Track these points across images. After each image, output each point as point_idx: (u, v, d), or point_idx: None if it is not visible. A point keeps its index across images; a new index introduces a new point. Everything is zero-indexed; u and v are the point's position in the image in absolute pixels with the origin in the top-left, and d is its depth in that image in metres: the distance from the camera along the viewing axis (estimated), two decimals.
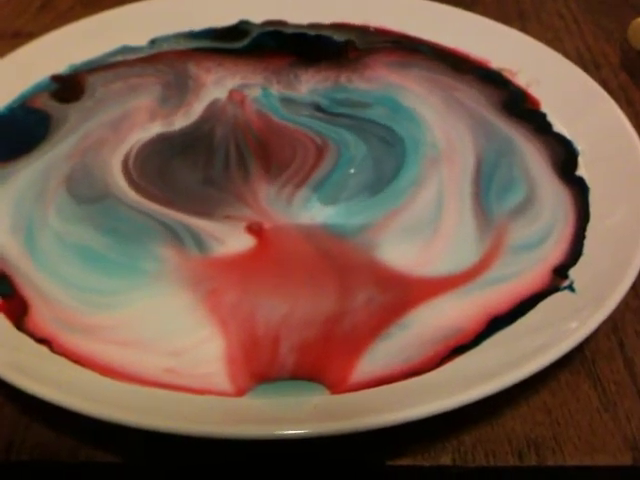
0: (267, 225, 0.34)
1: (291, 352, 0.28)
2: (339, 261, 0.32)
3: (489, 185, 0.36)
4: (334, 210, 0.35)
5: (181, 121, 0.40)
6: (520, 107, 0.40)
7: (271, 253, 0.32)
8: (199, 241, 0.33)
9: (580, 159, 0.36)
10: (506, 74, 0.42)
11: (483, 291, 0.30)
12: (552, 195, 0.35)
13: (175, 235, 0.33)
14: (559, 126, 0.38)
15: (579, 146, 0.37)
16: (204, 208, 0.35)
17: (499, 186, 0.36)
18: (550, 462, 0.27)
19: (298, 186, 0.36)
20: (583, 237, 0.32)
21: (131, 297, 0.31)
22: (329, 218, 0.34)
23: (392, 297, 0.30)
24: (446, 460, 0.28)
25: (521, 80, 0.42)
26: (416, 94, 0.42)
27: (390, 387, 0.27)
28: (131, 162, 0.38)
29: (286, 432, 0.24)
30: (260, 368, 0.28)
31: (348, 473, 0.28)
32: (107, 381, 0.27)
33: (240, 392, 0.27)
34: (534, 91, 0.41)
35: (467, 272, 0.31)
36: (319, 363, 0.28)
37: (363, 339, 0.29)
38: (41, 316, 0.30)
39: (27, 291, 0.31)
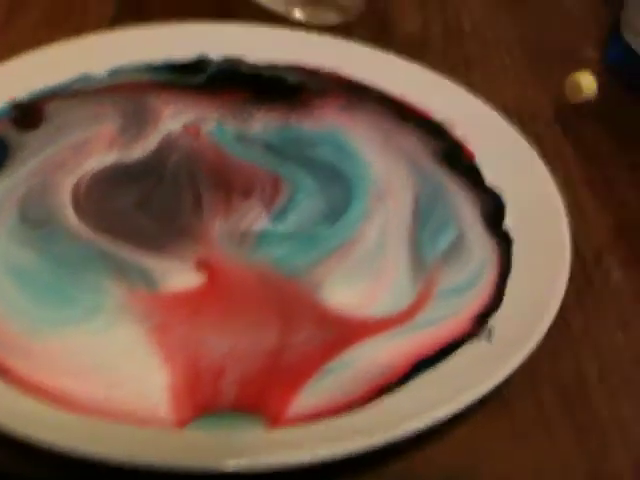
0: (216, 262, 0.36)
1: (233, 384, 0.30)
2: (284, 299, 0.34)
3: (425, 223, 0.39)
4: (285, 247, 0.37)
5: (137, 151, 0.42)
6: (456, 159, 0.43)
7: (219, 290, 0.34)
8: (145, 276, 0.35)
9: (507, 212, 0.40)
10: (446, 125, 0.45)
11: (411, 334, 0.33)
12: (479, 245, 0.38)
13: (120, 269, 0.35)
14: (490, 179, 0.42)
15: (507, 199, 0.40)
16: (152, 242, 0.37)
17: (433, 226, 0.39)
18: None
19: (253, 221, 0.38)
20: (504, 287, 0.35)
21: (75, 328, 0.32)
22: (279, 255, 0.36)
23: (330, 336, 0.33)
24: None
25: (459, 132, 0.45)
26: (360, 136, 0.45)
27: (323, 423, 0.29)
28: (82, 189, 0.39)
29: (224, 464, 0.27)
30: (202, 400, 0.30)
31: None
32: (50, 409, 0.29)
33: (181, 423, 0.29)
34: (470, 144, 0.44)
35: (400, 315, 0.34)
36: (259, 396, 0.30)
37: (300, 374, 0.31)
38: None
39: None
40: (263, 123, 0.45)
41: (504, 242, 0.38)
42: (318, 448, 0.27)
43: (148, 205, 0.39)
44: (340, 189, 0.41)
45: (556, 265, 0.35)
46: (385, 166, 0.43)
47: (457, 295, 0.35)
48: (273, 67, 0.50)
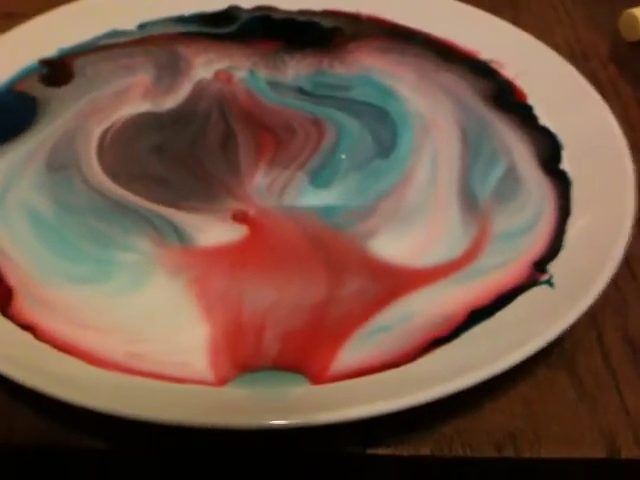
0: (256, 214, 0.34)
1: (275, 341, 0.28)
2: (331, 251, 0.32)
3: (476, 154, 0.37)
4: (330, 194, 0.35)
5: (170, 101, 0.40)
6: (506, 99, 0.40)
7: (261, 242, 0.32)
8: (177, 230, 0.33)
9: (564, 153, 0.36)
10: (494, 65, 0.42)
11: (465, 284, 0.31)
12: (535, 187, 0.35)
13: (146, 223, 0.33)
14: (544, 119, 0.38)
15: (563, 140, 0.37)
16: (181, 194, 0.35)
17: (484, 159, 0.37)
18: (527, 454, 0.28)
19: (297, 169, 0.36)
20: (563, 231, 0.32)
21: (95, 286, 0.31)
22: (324, 204, 0.34)
23: (380, 288, 0.30)
24: (425, 450, 0.28)
25: (509, 72, 0.42)
26: (395, 75, 0.42)
27: (370, 378, 0.27)
28: (109, 136, 0.38)
29: (267, 423, 0.25)
30: (243, 357, 0.28)
31: (328, 463, 0.28)
32: (91, 369, 0.27)
33: (221, 381, 0.27)
34: (521, 83, 0.41)
35: (453, 263, 0.31)
36: (302, 353, 0.28)
37: (346, 329, 0.29)
38: (24, 302, 0.30)
39: (10, 275, 0.31)
40: (295, 70, 0.43)
41: (562, 183, 0.35)
42: (364, 405, 0.25)
43: (176, 154, 0.37)
44: (384, 126, 0.39)
45: (620, 209, 0.32)
46: (426, 102, 0.40)
47: (514, 239, 0.33)
48: (307, 12, 0.47)
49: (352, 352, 0.28)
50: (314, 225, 0.33)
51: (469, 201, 0.35)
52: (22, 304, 0.30)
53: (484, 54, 0.43)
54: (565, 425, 0.29)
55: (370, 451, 0.28)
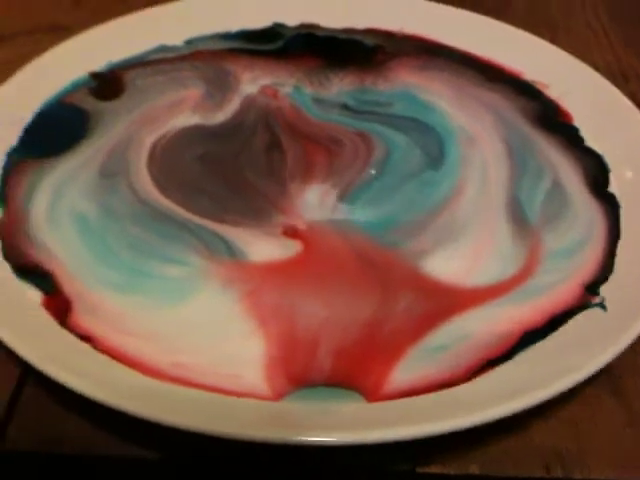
0: (305, 228, 0.34)
1: (328, 357, 0.28)
2: (383, 268, 0.32)
3: (522, 167, 0.37)
4: (382, 209, 0.35)
5: (220, 115, 0.40)
6: (552, 119, 0.40)
7: (312, 258, 0.32)
8: (228, 246, 0.33)
9: (611, 176, 0.36)
10: (538, 86, 0.42)
11: (517, 304, 0.30)
12: (583, 207, 0.35)
13: (198, 238, 0.33)
14: (590, 141, 0.38)
15: (610, 162, 0.37)
16: (229, 208, 0.35)
17: (531, 177, 0.37)
18: (576, 476, 0.28)
19: (349, 184, 0.36)
20: (614, 254, 0.32)
21: (154, 296, 0.31)
22: (376, 219, 0.34)
23: (432, 306, 0.30)
24: (474, 469, 0.28)
25: (552, 93, 0.41)
26: (434, 91, 0.43)
27: (423, 398, 0.27)
28: (160, 146, 0.38)
29: (323, 439, 0.25)
30: (298, 372, 0.28)
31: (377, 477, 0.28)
32: (149, 380, 0.27)
33: (277, 396, 0.27)
34: (565, 104, 0.41)
35: (506, 283, 0.31)
36: (355, 369, 0.28)
37: (399, 347, 0.29)
38: (81, 314, 0.30)
39: (68, 287, 0.31)
40: (339, 86, 0.43)
41: (610, 205, 0.35)
42: (414, 426, 0.25)
43: (223, 166, 0.37)
44: (430, 139, 0.39)
45: None
46: (468, 117, 0.41)
47: (564, 259, 0.32)
48: (350, 30, 0.47)
49: (406, 370, 0.28)
50: (365, 242, 0.33)
51: (519, 217, 0.34)
52: (77, 314, 0.30)
53: (527, 75, 0.43)
54: (613, 447, 0.28)
55: (420, 469, 0.28)
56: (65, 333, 0.29)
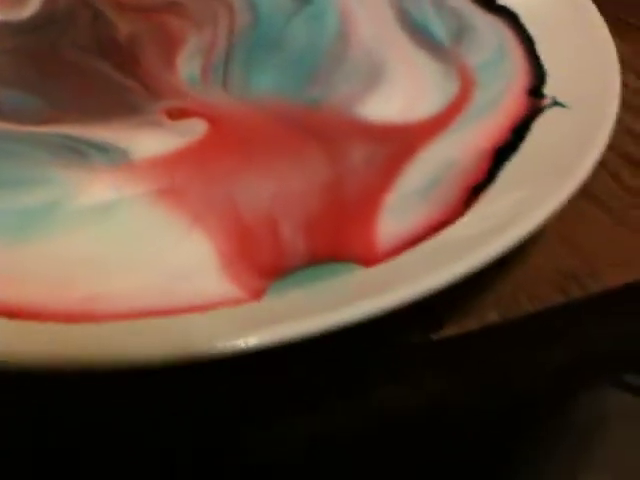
0: (197, 106, 0.26)
1: (297, 232, 0.22)
2: (313, 126, 0.25)
3: (416, 19, 0.31)
4: (277, 69, 0.28)
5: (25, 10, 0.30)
6: None
7: (224, 135, 0.25)
8: (110, 150, 0.24)
9: None
10: None
11: (472, 125, 0.26)
12: (482, 22, 0.31)
13: (57, 154, 0.24)
14: None
15: None
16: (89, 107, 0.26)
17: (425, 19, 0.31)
18: (595, 289, 0.24)
19: (227, 51, 0.28)
20: (537, 57, 0.28)
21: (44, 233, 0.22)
22: (276, 82, 0.27)
23: (389, 150, 0.24)
24: (493, 317, 0.23)
25: None
26: None
27: (425, 246, 0.21)
28: None
29: (345, 317, 0.18)
30: (267, 260, 0.21)
31: (393, 357, 0.22)
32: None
33: (255, 294, 0.20)
34: None
35: (451, 108, 0.26)
36: (336, 237, 0.22)
37: (375, 199, 0.23)
38: None
39: None
40: None
41: (506, 15, 0.31)
42: (433, 275, 0.19)
43: (50, 60, 0.28)
44: None
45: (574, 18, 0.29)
46: None
47: (493, 70, 0.28)
48: None
49: (394, 221, 0.22)
50: (280, 104, 0.26)
51: (428, 40, 0.30)
52: None
53: None
54: (612, 251, 0.25)
55: (435, 336, 0.22)
56: None
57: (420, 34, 0.30)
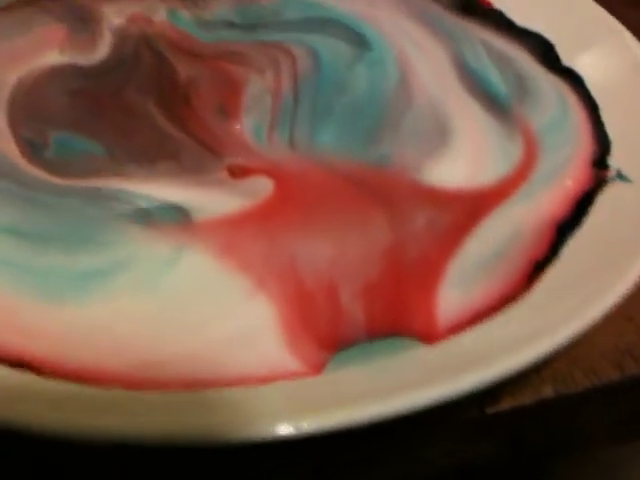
0: (263, 165, 0.25)
1: (356, 300, 0.21)
2: (377, 187, 0.24)
3: (475, 69, 0.31)
4: (343, 123, 0.27)
5: (95, 55, 0.30)
6: (468, 5, 0.34)
7: (287, 194, 0.24)
8: (176, 208, 0.24)
9: (558, 50, 0.32)
10: None
11: (538, 193, 0.25)
12: (547, 84, 0.30)
13: (124, 207, 0.24)
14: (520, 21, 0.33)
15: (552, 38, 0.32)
16: (150, 163, 0.26)
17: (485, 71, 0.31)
18: None
19: (293, 104, 0.28)
20: (601, 124, 0.28)
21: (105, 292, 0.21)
22: (339, 142, 0.26)
23: (453, 216, 0.24)
24: (548, 392, 0.22)
25: None
26: None
27: (488, 325, 0.21)
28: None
29: (407, 404, 0.18)
30: (327, 329, 0.20)
31: (444, 429, 0.22)
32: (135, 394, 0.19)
33: (316, 368, 0.19)
34: None
35: (514, 175, 0.26)
36: (395, 307, 0.21)
37: (436, 267, 0.22)
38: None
39: None
40: (216, 5, 0.34)
41: (572, 78, 0.30)
42: (499, 361, 0.19)
43: (124, 109, 0.28)
44: (339, 29, 0.32)
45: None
46: (374, 11, 0.34)
47: (557, 135, 0.27)
48: None
49: (454, 294, 0.22)
50: (345, 162, 0.26)
51: (491, 99, 0.29)
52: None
53: None
54: None
55: (489, 410, 0.22)
56: None
57: (480, 88, 0.29)
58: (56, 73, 0.29)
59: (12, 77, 0.28)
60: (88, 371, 0.19)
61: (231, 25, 0.33)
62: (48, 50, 0.30)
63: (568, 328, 0.19)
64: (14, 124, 0.27)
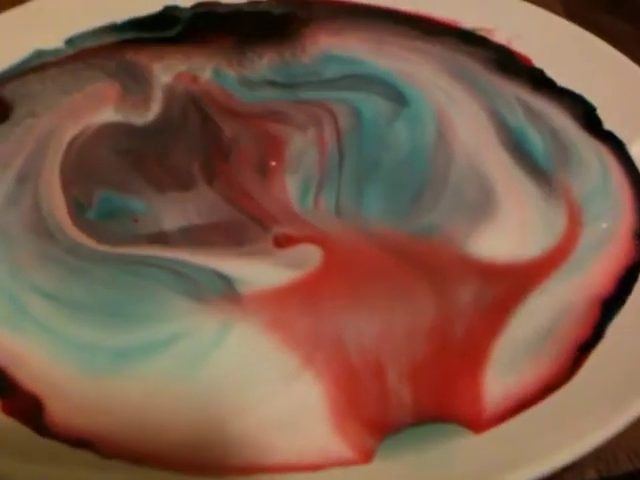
0: (309, 235, 0.26)
1: (402, 381, 0.21)
2: (423, 260, 0.25)
3: (514, 128, 0.31)
4: (389, 189, 0.28)
5: (148, 113, 0.32)
6: (509, 64, 0.35)
7: (333, 268, 0.24)
8: (222, 279, 0.24)
9: (599, 112, 0.32)
10: (482, 33, 0.37)
11: (582, 268, 0.25)
12: (588, 149, 0.30)
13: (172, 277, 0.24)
14: (560, 81, 0.33)
15: (592, 100, 0.32)
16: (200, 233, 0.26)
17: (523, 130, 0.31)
18: None
19: (337, 168, 0.28)
20: None
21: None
22: (385, 207, 0.27)
23: (500, 291, 0.24)
24: (591, 474, 0.22)
25: (500, 38, 0.36)
26: (355, 47, 0.36)
27: (535, 413, 0.21)
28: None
29: None
30: (375, 412, 0.20)
31: None
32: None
33: (366, 456, 0.20)
34: (518, 48, 0.35)
35: (561, 245, 0.26)
36: (442, 390, 0.21)
37: (482, 344, 0.22)
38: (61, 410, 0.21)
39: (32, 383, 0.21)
40: (260, 64, 0.36)
41: (613, 143, 0.30)
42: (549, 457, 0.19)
43: (170, 170, 0.29)
44: (379, 86, 0.33)
45: None
46: (401, 64, 0.35)
47: (602, 201, 0.27)
48: (253, 2, 0.40)
49: (501, 378, 0.22)
50: (391, 234, 0.26)
51: (532, 165, 0.29)
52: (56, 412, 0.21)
53: (465, 23, 0.37)
54: None
55: None
56: (48, 442, 0.20)
57: (519, 146, 0.30)
58: (109, 131, 0.30)
59: (70, 133, 0.30)
60: (139, 452, 0.20)
61: (273, 84, 0.34)
62: (103, 107, 0.31)
63: (619, 420, 0.19)
64: (65, 182, 0.28)
